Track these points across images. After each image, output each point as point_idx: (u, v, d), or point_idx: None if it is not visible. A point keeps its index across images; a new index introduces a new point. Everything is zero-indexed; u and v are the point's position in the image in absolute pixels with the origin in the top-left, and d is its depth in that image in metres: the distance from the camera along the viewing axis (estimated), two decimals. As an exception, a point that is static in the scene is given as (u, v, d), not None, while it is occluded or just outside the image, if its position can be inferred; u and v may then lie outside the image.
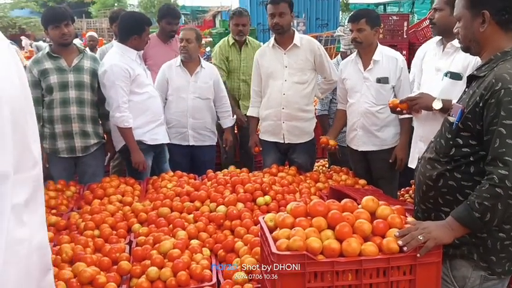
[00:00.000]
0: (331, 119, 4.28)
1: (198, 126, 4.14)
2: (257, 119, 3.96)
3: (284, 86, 3.68)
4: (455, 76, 2.77)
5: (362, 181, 3.52)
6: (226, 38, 4.97)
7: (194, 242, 2.58)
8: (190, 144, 4.16)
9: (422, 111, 2.89)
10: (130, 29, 3.64)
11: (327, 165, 4.75)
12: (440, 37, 2.97)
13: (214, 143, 4.32)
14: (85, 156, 3.62)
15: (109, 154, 3.88)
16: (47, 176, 3.59)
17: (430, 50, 3.09)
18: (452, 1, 2.70)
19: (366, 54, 3.50)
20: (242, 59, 4.82)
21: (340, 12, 19.71)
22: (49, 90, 3.45)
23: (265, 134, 3.90)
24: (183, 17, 31.34)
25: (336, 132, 3.80)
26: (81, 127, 3.55)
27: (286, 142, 3.81)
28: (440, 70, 2.87)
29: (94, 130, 3.63)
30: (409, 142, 3.36)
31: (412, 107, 2.86)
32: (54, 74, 3.46)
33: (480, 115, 1.79)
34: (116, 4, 33.93)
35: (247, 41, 4.87)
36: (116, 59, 3.56)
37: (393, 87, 3.45)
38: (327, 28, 17.74)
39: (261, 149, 3.98)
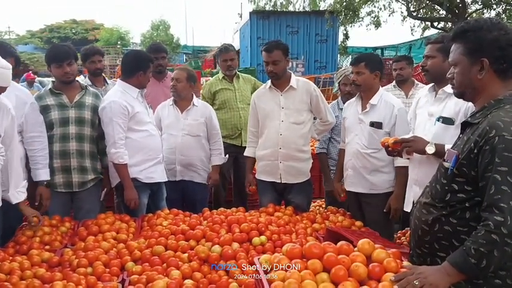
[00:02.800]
0: (330, 158, 4.30)
1: (186, 162, 4.19)
2: (253, 159, 3.99)
3: (281, 126, 3.73)
4: (447, 121, 2.80)
5: (358, 223, 3.51)
6: (216, 75, 5.10)
7: (188, 282, 2.54)
8: (178, 179, 4.19)
9: (416, 155, 2.91)
10: (135, 66, 3.70)
11: (324, 206, 4.74)
12: (433, 83, 3.03)
13: (206, 182, 4.33)
14: (81, 192, 3.62)
15: (105, 189, 3.86)
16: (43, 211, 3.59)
17: (423, 96, 3.15)
18: (444, 48, 2.78)
19: (365, 97, 3.56)
20: (236, 88, 4.93)
21: (338, 55, 20.14)
22: (50, 125, 3.49)
23: (262, 173, 3.91)
24: (184, 56, 31.97)
25: (340, 173, 3.82)
26: (80, 162, 3.57)
27: (283, 182, 3.82)
28: (433, 115, 2.91)
29: (92, 166, 3.64)
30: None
31: (404, 148, 2.88)
32: (56, 110, 3.51)
33: (475, 161, 1.81)
34: (119, 42, 34.59)
35: (238, 75, 5.01)
36: (117, 96, 3.61)
37: (388, 134, 3.45)
38: (325, 70, 18.10)
39: (254, 187, 3.99)
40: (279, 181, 3.83)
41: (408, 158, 3.05)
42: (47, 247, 3.06)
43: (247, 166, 4.07)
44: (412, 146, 2.83)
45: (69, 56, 3.49)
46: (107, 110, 3.56)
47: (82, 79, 4.58)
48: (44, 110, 3.49)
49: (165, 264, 2.74)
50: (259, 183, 3.95)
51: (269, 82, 3.85)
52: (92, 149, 3.65)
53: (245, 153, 4.06)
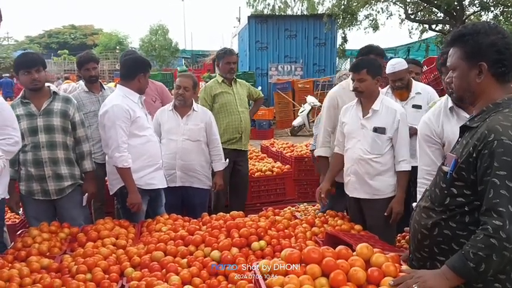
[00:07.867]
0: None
1: (186, 167, 4.19)
2: (328, 159, 3.89)
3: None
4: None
5: (358, 226, 3.50)
6: (214, 78, 5.08)
7: (187, 288, 2.53)
8: (178, 185, 4.18)
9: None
10: (136, 68, 3.71)
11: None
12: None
13: (206, 187, 4.33)
14: (60, 199, 3.56)
15: (86, 194, 3.71)
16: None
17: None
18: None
19: (366, 102, 3.52)
20: (235, 92, 4.93)
21: (337, 59, 20.16)
22: (21, 135, 3.40)
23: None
24: (183, 60, 32.00)
25: (332, 177, 3.75)
26: (54, 170, 3.50)
27: None
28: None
29: (69, 172, 3.58)
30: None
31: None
32: (24, 119, 3.46)
33: (474, 165, 1.81)
34: (117, 47, 34.59)
35: (235, 79, 5.02)
36: (118, 100, 3.59)
37: (390, 139, 3.45)
38: (324, 73, 18.10)
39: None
40: None
41: None
42: (46, 253, 3.05)
43: (324, 168, 3.89)
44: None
45: (36, 63, 3.46)
46: (110, 113, 3.53)
47: (81, 84, 4.57)
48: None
49: (164, 270, 2.74)
50: (339, 187, 3.78)
51: (350, 82, 3.74)
52: (66, 156, 3.57)
53: (322, 154, 3.92)
